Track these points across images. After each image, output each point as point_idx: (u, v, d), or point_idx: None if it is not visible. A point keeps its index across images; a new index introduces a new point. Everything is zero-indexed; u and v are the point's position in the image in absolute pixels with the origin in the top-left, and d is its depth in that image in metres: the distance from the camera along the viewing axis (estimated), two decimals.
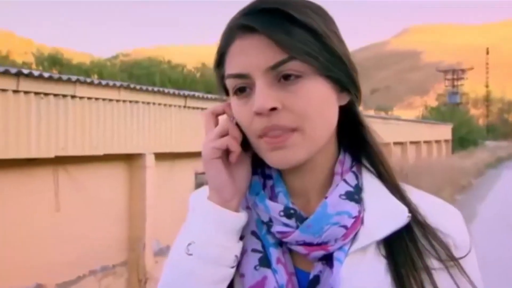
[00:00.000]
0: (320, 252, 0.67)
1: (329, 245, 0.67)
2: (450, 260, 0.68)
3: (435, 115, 35.75)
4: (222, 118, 0.73)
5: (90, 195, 5.64)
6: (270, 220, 0.69)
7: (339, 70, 0.67)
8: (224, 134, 0.69)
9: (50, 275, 4.99)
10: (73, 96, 5.06)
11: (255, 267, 0.68)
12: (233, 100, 0.69)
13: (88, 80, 5.24)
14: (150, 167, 6.26)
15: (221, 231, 0.67)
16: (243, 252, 0.70)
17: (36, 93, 4.61)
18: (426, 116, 37.65)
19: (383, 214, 0.68)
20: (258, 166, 0.73)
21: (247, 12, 0.66)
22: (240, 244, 0.69)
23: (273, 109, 0.63)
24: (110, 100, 5.61)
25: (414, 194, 0.73)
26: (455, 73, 53.01)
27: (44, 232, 5.02)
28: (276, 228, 0.68)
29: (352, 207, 0.68)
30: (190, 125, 6.86)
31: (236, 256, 0.68)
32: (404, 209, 0.68)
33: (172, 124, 6.57)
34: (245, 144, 0.70)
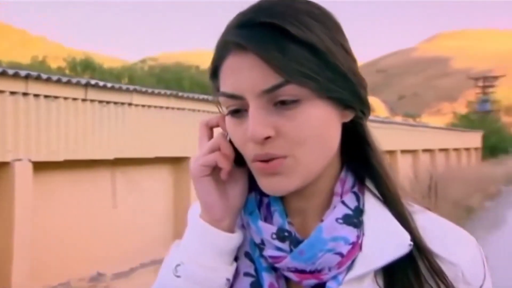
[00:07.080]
0: (312, 281, 0.62)
1: (322, 273, 0.61)
2: None
3: (465, 123, 35.39)
4: (216, 132, 0.68)
5: (142, 194, 6.15)
6: (262, 243, 0.63)
7: (343, 89, 0.59)
8: (216, 150, 0.64)
9: (108, 265, 5.50)
10: (129, 104, 5.58)
11: None
12: (227, 118, 0.63)
13: (143, 89, 5.76)
14: None
15: (211, 252, 0.63)
16: (236, 275, 0.65)
17: (100, 101, 5.15)
18: (456, 123, 37.28)
19: (383, 240, 0.62)
20: (256, 182, 0.65)
21: (242, 25, 0.58)
22: (233, 266, 0.64)
23: (267, 137, 0.58)
24: (161, 107, 6.12)
25: (423, 217, 0.66)
26: (486, 80, 52.13)
27: (103, 227, 5.54)
28: (268, 252, 0.63)
29: (349, 232, 0.62)
30: None
31: (227, 279, 0.63)
32: (407, 236, 0.61)
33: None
34: (241, 159, 0.64)
